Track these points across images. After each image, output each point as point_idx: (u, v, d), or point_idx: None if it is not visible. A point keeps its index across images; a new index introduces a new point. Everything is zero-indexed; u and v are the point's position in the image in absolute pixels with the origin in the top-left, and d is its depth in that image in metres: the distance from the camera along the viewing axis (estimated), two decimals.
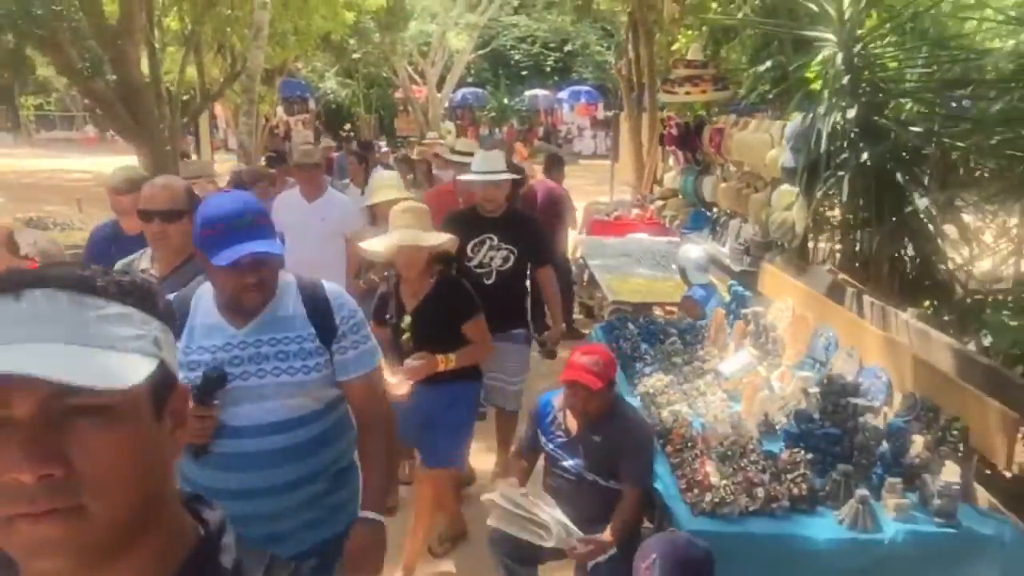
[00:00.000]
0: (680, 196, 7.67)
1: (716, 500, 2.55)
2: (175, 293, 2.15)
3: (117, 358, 0.69)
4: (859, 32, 4.34)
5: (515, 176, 4.24)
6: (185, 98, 11.66)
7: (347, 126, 24.85)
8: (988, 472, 2.90)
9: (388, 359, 3.08)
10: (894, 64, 4.56)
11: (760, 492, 2.57)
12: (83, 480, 0.68)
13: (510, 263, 4.01)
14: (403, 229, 3.24)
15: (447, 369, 3.29)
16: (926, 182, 4.34)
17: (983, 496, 2.71)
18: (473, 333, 3.36)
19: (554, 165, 7.03)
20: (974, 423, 2.68)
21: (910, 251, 4.33)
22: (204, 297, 2.10)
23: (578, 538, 2.73)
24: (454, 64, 23.54)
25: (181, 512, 0.80)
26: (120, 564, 0.72)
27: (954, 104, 4.38)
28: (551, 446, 3.06)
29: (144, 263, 2.74)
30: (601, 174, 14.91)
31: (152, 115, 10.07)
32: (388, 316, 3.42)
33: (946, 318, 4.03)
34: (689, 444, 2.90)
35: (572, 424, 3.01)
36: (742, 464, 2.72)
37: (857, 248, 4.46)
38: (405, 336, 3.33)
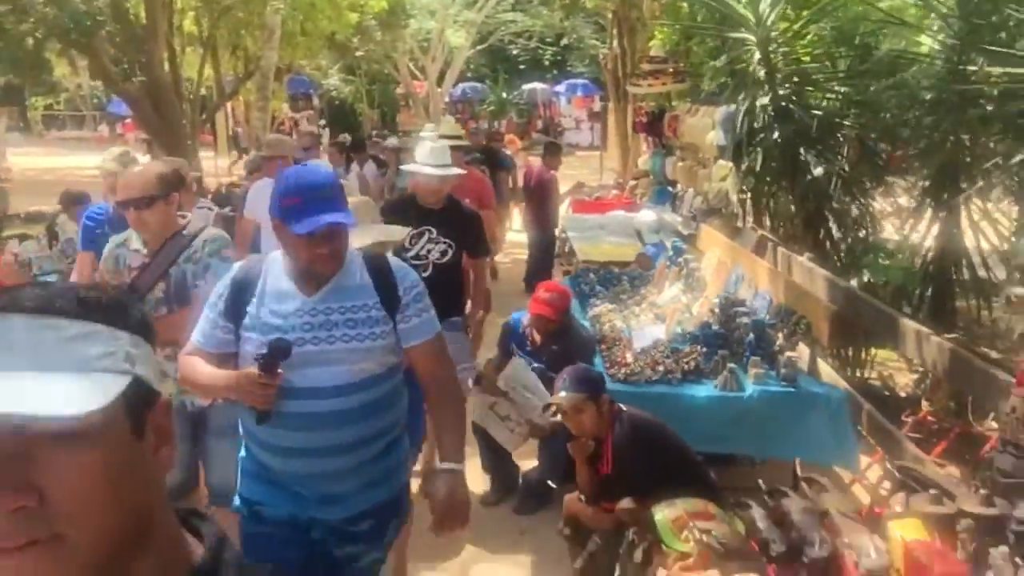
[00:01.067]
0: (650, 176, 8.82)
1: (628, 372, 3.69)
2: (245, 260, 2.35)
3: (82, 380, 0.68)
4: (773, 34, 5.45)
5: (459, 171, 4.25)
6: (203, 95, 12.82)
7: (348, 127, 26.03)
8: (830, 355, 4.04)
9: None
10: (805, 59, 5.68)
11: (660, 368, 3.71)
12: (58, 508, 0.67)
13: (447, 256, 4.01)
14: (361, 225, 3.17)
15: None
16: (839, 157, 5.48)
17: (827, 370, 3.84)
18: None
19: (551, 153, 8.26)
20: (815, 320, 3.82)
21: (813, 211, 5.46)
22: (275, 264, 2.22)
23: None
24: (453, 60, 24.63)
25: (177, 530, 0.79)
26: None
27: (849, 90, 5.49)
28: (520, 353, 4.19)
29: (135, 243, 2.95)
30: (594, 164, 16.08)
31: (176, 113, 11.19)
32: None
33: (838, 262, 5.16)
34: (617, 343, 4.04)
35: (536, 338, 4.15)
36: (652, 354, 3.86)
37: (772, 209, 5.59)
38: None
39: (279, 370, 2.03)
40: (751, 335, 3.81)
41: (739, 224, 5.81)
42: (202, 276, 2.90)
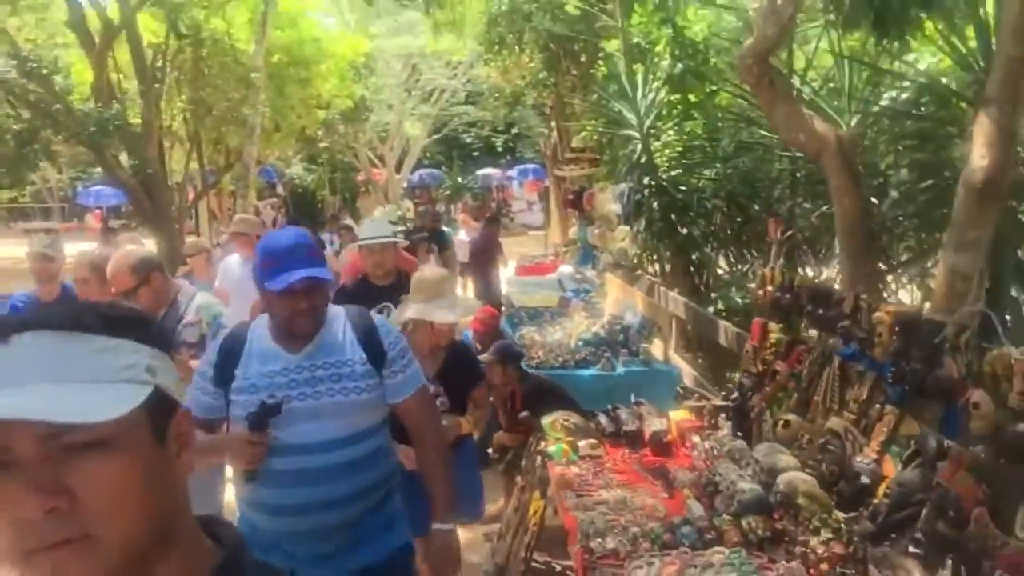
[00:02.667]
0: (578, 243, 10.88)
1: (539, 361, 5.57)
2: (232, 327, 2.50)
3: (107, 390, 0.76)
4: (651, 131, 7.55)
5: (397, 239, 4.42)
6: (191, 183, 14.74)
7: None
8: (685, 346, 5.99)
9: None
10: (677, 149, 7.80)
11: (561, 359, 5.59)
12: (88, 510, 0.74)
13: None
14: (445, 298, 3.44)
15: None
16: (703, 220, 7.52)
17: (673, 356, 5.76)
18: (480, 397, 3.81)
19: (491, 224, 10.35)
20: (667, 327, 5.78)
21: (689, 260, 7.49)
22: (259, 327, 2.34)
23: None
24: (411, 148, 27.06)
25: (198, 533, 0.87)
26: None
27: (705, 172, 7.58)
28: None
29: None
30: (542, 240, 18.28)
31: (167, 202, 13.05)
32: None
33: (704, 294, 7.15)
34: (533, 346, 5.94)
35: (478, 346, 6.00)
36: (556, 351, 5.74)
37: (657, 259, 7.62)
38: (439, 399, 3.42)
39: (269, 428, 2.14)
40: (622, 336, 5.73)
41: (636, 272, 7.81)
42: (210, 337, 3.30)
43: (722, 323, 5.22)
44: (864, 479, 2.95)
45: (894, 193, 4.76)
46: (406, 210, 20.23)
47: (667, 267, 7.32)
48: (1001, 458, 2.41)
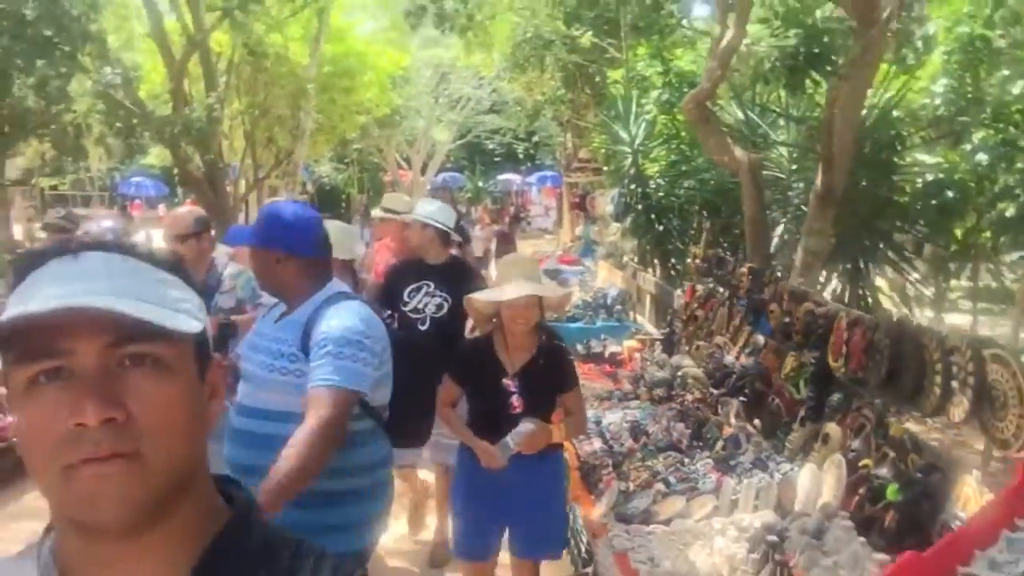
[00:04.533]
0: (581, 239, 12.98)
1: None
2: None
3: (170, 312, 0.79)
4: (639, 148, 9.61)
5: (444, 228, 4.27)
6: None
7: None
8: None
9: (477, 428, 3.16)
10: (659, 164, 9.86)
11: (554, 317, 7.67)
12: (140, 426, 0.76)
13: (444, 310, 4.18)
14: (521, 279, 3.06)
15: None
16: (677, 220, 9.57)
17: (646, 321, 7.83)
18: (575, 404, 3.30)
19: (515, 223, 12.46)
20: (642, 298, 7.86)
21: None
22: None
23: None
24: (436, 152, 29.25)
25: (212, 488, 0.89)
26: (158, 530, 0.79)
27: (686, 183, 9.63)
28: None
29: None
30: (556, 241, 20.46)
31: (225, 192, 15.24)
32: (477, 377, 3.22)
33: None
34: None
35: None
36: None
37: (641, 250, 9.70)
38: (513, 397, 3.13)
39: (227, 350, 2.29)
40: (604, 303, 7.80)
41: (623, 259, 9.87)
42: (249, 301, 3.89)
43: (676, 292, 7.28)
44: (728, 368, 5.01)
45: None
46: None
47: (647, 256, 9.38)
48: (785, 343, 4.47)
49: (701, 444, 4.11)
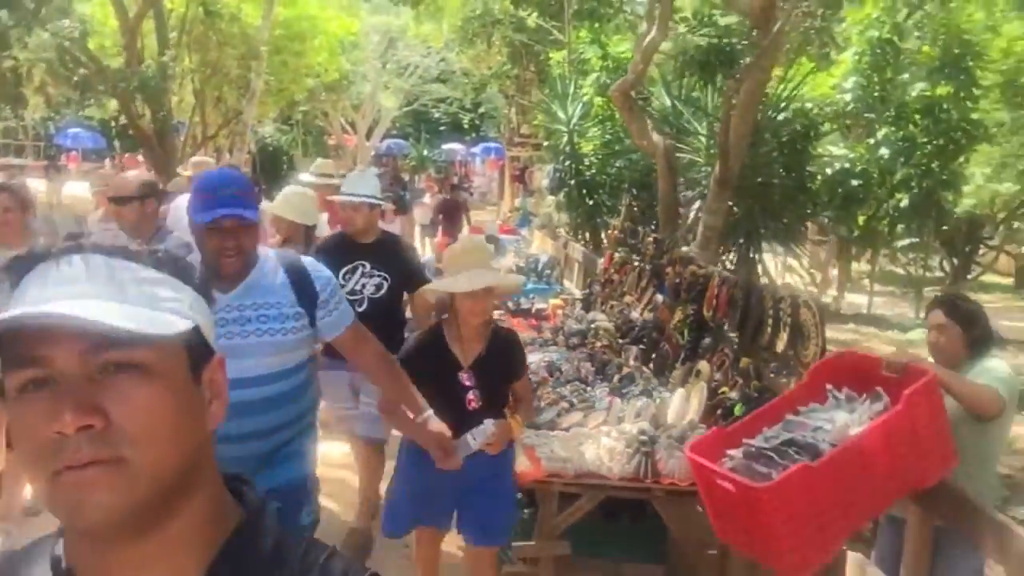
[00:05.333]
0: (520, 210, 13.91)
1: None
2: None
3: (152, 313, 0.78)
4: (575, 127, 10.55)
5: (377, 202, 4.25)
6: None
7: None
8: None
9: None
10: (594, 143, 10.82)
11: None
12: (121, 433, 0.75)
13: (383, 290, 4.13)
14: (475, 268, 3.00)
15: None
16: (606, 196, 10.56)
17: (572, 285, 8.83)
18: (524, 390, 3.35)
19: (455, 191, 13.34)
20: (571, 265, 8.84)
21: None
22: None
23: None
24: (382, 118, 29.75)
25: (222, 489, 0.87)
26: (161, 534, 0.79)
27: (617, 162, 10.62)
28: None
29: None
30: (496, 212, 21.40)
31: (175, 148, 15.70)
32: (429, 371, 3.10)
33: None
34: None
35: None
36: None
37: (571, 222, 10.68)
38: (469, 392, 3.11)
39: None
40: (535, 268, 8.75)
41: (556, 230, 10.84)
42: None
43: (599, 260, 8.27)
44: (633, 322, 5.99)
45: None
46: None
47: (578, 228, 10.36)
48: (676, 300, 5.46)
49: (603, 378, 5.08)
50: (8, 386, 0.76)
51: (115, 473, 0.74)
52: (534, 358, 5.47)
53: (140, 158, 19.98)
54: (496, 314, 4.61)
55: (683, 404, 4.35)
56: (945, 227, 13.47)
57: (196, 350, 0.83)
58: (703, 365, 4.61)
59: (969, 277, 19.25)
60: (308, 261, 2.67)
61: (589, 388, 4.83)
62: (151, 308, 0.78)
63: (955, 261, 19.68)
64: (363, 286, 4.15)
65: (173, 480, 0.78)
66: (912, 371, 2.92)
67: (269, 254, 2.59)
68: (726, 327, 4.50)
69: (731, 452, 2.84)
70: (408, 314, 4.53)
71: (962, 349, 3.22)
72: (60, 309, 0.72)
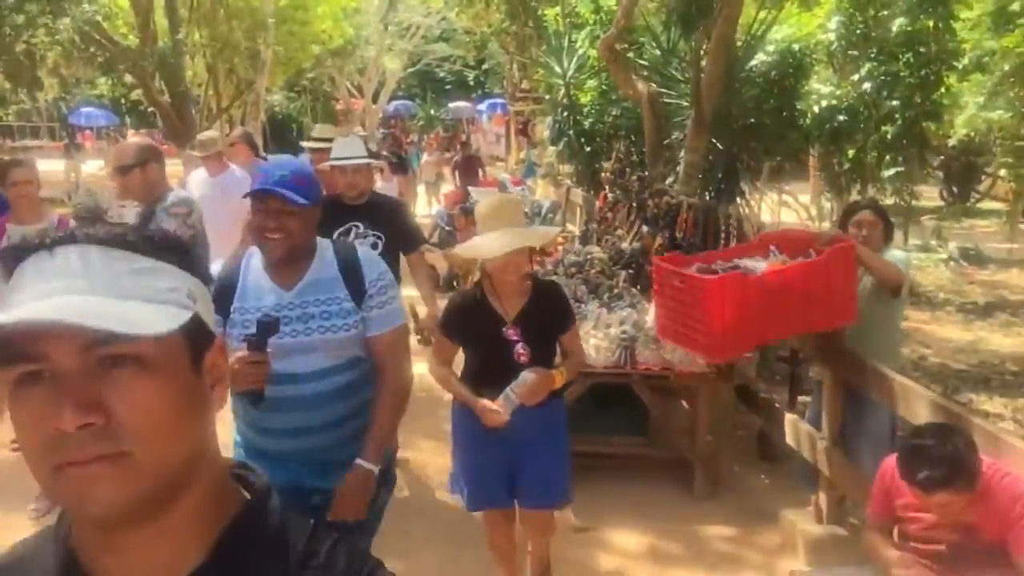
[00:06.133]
0: (525, 162, 14.75)
1: None
2: (225, 262, 2.73)
3: (149, 308, 0.77)
4: (571, 80, 11.32)
5: (373, 161, 4.34)
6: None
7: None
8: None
9: (479, 385, 3.15)
10: (590, 95, 11.60)
11: None
12: (124, 428, 0.75)
13: (378, 250, 4.07)
14: (508, 228, 3.01)
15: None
16: (604, 144, 11.37)
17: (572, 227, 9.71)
18: (573, 343, 3.34)
19: (465, 147, 14.19)
20: (573, 207, 9.73)
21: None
22: (254, 260, 2.54)
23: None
24: (387, 80, 30.47)
25: (225, 474, 0.89)
26: (164, 521, 0.80)
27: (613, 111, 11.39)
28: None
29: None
30: (504, 167, 22.24)
31: (193, 121, 16.58)
32: (473, 331, 3.21)
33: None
34: None
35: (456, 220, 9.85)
36: None
37: (572, 170, 11.53)
38: (517, 346, 3.12)
39: (268, 349, 2.28)
40: (538, 212, 9.62)
41: (559, 177, 11.69)
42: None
43: (597, 202, 9.12)
44: (623, 252, 6.89)
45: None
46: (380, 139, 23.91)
47: (579, 174, 11.20)
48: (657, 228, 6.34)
49: (595, 297, 6.00)
50: (3, 380, 0.76)
51: (119, 467, 0.75)
52: None
53: (147, 133, 20.97)
54: None
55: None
56: (939, 156, 14.20)
57: (196, 338, 0.83)
58: None
59: (969, 204, 20.00)
60: (363, 252, 2.65)
61: (583, 304, 5.75)
62: (149, 301, 0.78)
63: (954, 189, 20.40)
64: None
65: (177, 470, 0.79)
66: (838, 242, 3.83)
67: (327, 246, 2.59)
68: (694, 244, 5.39)
69: (686, 270, 3.80)
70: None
71: (881, 241, 4.12)
72: (54, 314, 0.72)
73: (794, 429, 4.33)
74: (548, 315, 3.20)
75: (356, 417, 2.54)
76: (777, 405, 4.81)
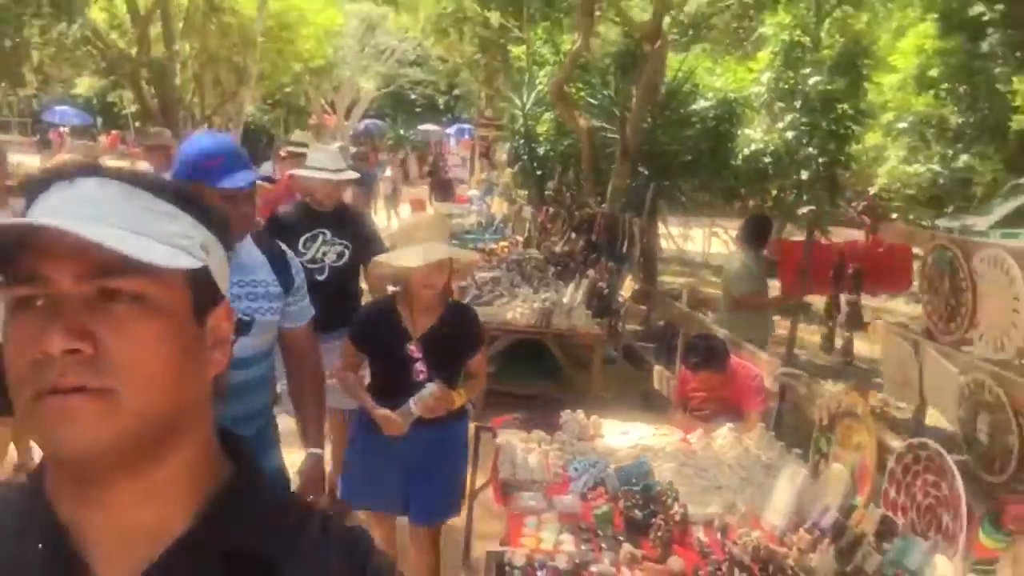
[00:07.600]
0: (485, 182, 16.55)
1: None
2: None
3: (161, 248, 0.76)
4: (528, 112, 13.14)
5: (356, 176, 4.55)
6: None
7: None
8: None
9: (380, 395, 3.22)
10: (546, 125, 13.44)
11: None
12: (111, 362, 0.73)
13: (344, 259, 4.24)
14: (430, 242, 3.09)
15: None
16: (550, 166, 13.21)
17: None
18: (479, 366, 3.41)
19: (432, 174, 15.92)
20: (520, 221, 11.53)
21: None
22: None
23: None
24: (360, 99, 32.16)
25: (213, 440, 0.87)
26: (147, 478, 0.78)
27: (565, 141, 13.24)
28: None
29: None
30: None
31: (179, 123, 18.11)
32: (379, 342, 3.28)
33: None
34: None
35: None
36: (457, 231, 11.40)
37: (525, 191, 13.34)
38: (417, 363, 3.20)
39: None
40: (491, 226, 11.37)
41: (512, 197, 13.47)
42: None
43: (540, 216, 10.88)
44: (555, 254, 8.65)
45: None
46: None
47: (531, 194, 13.01)
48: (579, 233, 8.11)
49: (527, 284, 7.74)
50: (5, 300, 0.76)
51: (101, 403, 0.73)
52: (484, 275, 8.13)
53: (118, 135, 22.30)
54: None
55: (573, 291, 7.02)
56: (863, 202, 16.49)
57: (202, 291, 0.82)
58: (590, 273, 7.29)
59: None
60: (282, 244, 2.72)
61: (518, 288, 7.50)
62: (158, 240, 0.77)
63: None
64: (324, 254, 4.25)
65: (162, 420, 0.77)
66: None
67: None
68: (603, 246, 7.17)
69: None
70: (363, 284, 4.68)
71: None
72: (62, 224, 0.70)
73: (660, 375, 6.08)
74: (457, 338, 3.28)
75: (258, 416, 2.55)
76: (650, 360, 6.57)
